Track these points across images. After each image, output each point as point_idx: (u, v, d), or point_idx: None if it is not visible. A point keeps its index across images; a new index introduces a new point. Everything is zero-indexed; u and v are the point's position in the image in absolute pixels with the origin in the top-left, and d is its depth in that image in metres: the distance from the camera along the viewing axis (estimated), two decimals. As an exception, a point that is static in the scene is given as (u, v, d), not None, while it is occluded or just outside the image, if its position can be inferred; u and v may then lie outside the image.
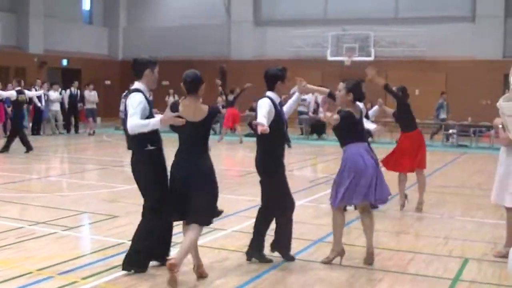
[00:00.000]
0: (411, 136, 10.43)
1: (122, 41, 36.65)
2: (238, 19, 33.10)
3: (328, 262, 7.27)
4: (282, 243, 7.40)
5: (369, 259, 7.29)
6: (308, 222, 9.64)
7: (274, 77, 7.35)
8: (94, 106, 26.08)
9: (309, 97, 26.46)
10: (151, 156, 6.65)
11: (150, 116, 6.55)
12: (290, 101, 7.76)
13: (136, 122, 6.34)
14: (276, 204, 7.31)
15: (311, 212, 10.51)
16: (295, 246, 8.02)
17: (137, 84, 6.76)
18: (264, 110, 6.99)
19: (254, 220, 8.77)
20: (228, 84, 31.67)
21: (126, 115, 6.58)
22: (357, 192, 7.00)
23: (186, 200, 6.35)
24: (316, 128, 26.41)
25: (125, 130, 6.80)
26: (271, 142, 7.09)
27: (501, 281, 6.85)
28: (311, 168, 17.81)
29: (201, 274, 6.61)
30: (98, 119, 29.20)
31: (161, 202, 6.57)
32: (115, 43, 36.59)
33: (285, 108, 7.50)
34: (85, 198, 11.34)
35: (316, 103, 26.84)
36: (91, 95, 25.92)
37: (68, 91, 26.31)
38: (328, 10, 31.83)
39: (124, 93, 7.34)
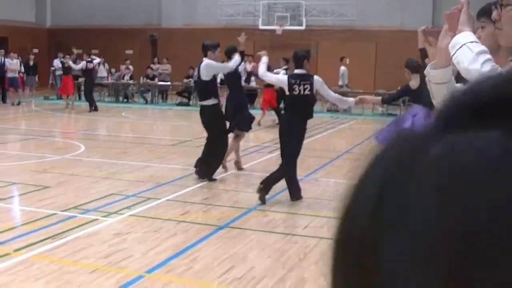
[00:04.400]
0: None
1: (50, 9, 35.67)
2: (168, -13, 32.66)
3: None
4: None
5: None
6: (241, 190, 9.71)
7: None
8: (16, 74, 25.17)
9: (241, 66, 26.37)
10: None
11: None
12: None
13: None
14: None
15: (243, 180, 10.57)
16: (229, 214, 8.09)
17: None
18: None
19: (188, 188, 9.05)
20: (159, 51, 31.38)
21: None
22: None
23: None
24: (248, 97, 26.41)
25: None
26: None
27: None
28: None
29: (239, 166, 11.12)
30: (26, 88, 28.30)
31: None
32: (43, 11, 35.54)
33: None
34: (14, 168, 11.09)
35: (247, 72, 26.79)
36: (13, 64, 25.07)
37: (-6, 59, 25.44)
38: (259, -21, 31.72)
39: None
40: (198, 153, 13.13)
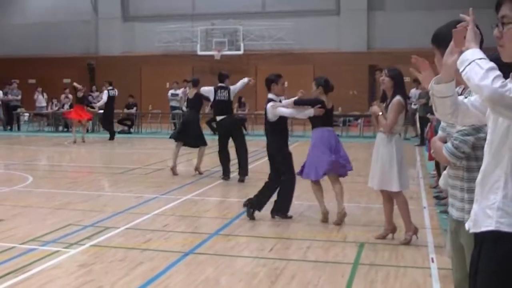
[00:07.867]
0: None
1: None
2: (105, 15, 32.36)
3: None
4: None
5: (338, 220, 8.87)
6: (200, 216, 9.62)
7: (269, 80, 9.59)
8: None
9: (181, 91, 26.28)
10: None
11: None
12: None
13: None
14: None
15: (200, 205, 10.49)
16: (192, 240, 7.99)
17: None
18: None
19: (146, 216, 8.88)
20: (97, 79, 30.99)
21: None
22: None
23: None
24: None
25: None
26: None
27: (398, 262, 7.10)
28: (190, 162, 17.66)
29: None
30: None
31: None
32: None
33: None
34: (-40, 204, 10.70)
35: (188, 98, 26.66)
36: None
37: None
38: (196, 5, 31.64)
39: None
40: (149, 180, 12.99)
